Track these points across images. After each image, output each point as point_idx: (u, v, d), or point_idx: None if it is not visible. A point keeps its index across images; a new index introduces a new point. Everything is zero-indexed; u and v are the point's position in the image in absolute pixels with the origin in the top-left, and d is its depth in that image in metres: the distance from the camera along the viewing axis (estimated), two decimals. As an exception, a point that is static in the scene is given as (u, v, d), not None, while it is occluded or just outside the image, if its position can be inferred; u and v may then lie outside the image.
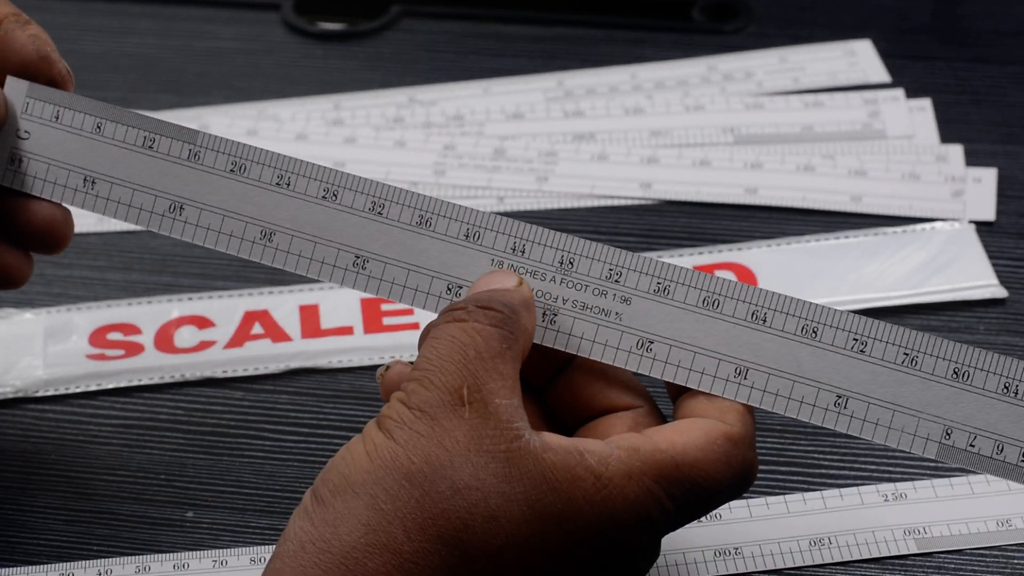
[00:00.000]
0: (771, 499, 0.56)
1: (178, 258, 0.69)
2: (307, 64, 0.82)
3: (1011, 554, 0.55)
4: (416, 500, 0.43)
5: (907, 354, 0.47)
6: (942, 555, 0.55)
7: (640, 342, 0.48)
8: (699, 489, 0.45)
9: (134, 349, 0.64)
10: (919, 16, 0.83)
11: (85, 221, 0.70)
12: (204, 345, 0.64)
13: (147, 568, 0.55)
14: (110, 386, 0.63)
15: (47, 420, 0.61)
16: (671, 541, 0.54)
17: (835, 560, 0.54)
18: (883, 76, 0.79)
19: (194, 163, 0.51)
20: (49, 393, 0.62)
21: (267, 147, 0.74)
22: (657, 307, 0.48)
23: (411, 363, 0.50)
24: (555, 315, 0.48)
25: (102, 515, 0.57)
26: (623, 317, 0.48)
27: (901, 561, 0.55)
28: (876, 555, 0.55)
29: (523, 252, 0.49)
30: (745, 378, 0.47)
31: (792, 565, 0.54)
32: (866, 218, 0.70)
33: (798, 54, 0.80)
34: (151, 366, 0.63)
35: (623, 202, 0.72)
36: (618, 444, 0.45)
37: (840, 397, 0.47)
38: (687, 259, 0.67)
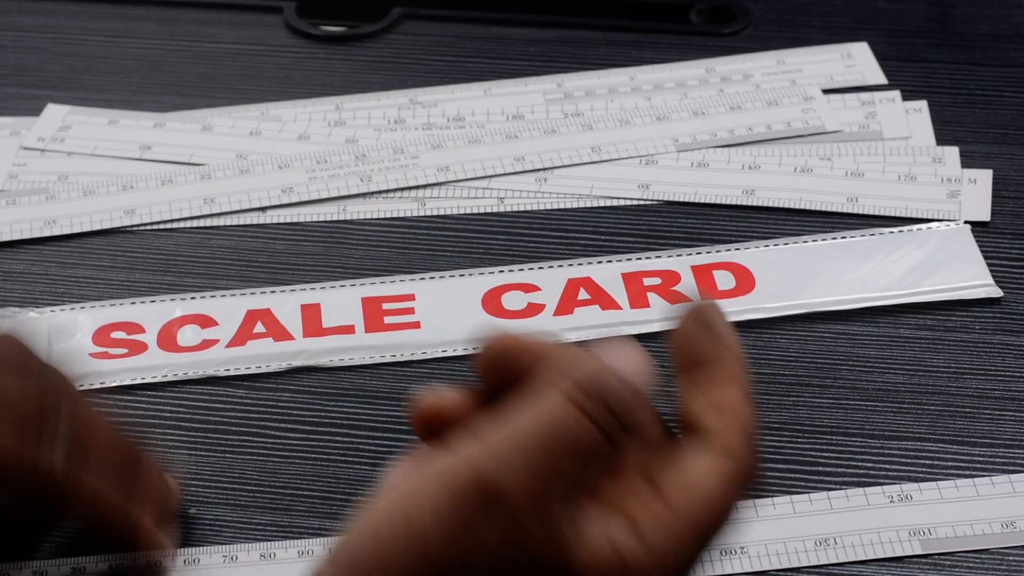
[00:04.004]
0: (777, 500, 0.56)
1: (181, 258, 0.69)
2: (309, 66, 0.83)
3: (1015, 556, 0.55)
4: None
5: None
6: (947, 556, 0.55)
7: None
8: (718, 535, 0.43)
9: (137, 348, 0.64)
10: (915, 19, 0.84)
11: (86, 221, 0.71)
12: (207, 344, 0.64)
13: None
14: (113, 384, 0.63)
15: (51, 418, 0.62)
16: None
17: (840, 560, 0.55)
18: (880, 78, 0.79)
19: None
20: (53, 391, 0.63)
21: (270, 147, 0.75)
22: None
23: (446, 394, 0.45)
24: None
25: (106, 511, 0.58)
26: None
27: (906, 562, 0.55)
28: (881, 555, 0.55)
29: None
30: None
31: (798, 565, 0.55)
32: (863, 218, 0.70)
33: (795, 56, 0.81)
34: (154, 364, 0.64)
35: (622, 203, 0.72)
36: (648, 540, 0.41)
37: None
38: (685, 259, 0.68)
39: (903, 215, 0.70)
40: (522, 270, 0.68)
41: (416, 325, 0.65)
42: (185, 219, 0.72)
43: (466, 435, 0.41)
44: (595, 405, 0.41)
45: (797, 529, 0.55)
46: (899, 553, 0.55)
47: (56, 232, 0.71)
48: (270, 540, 0.56)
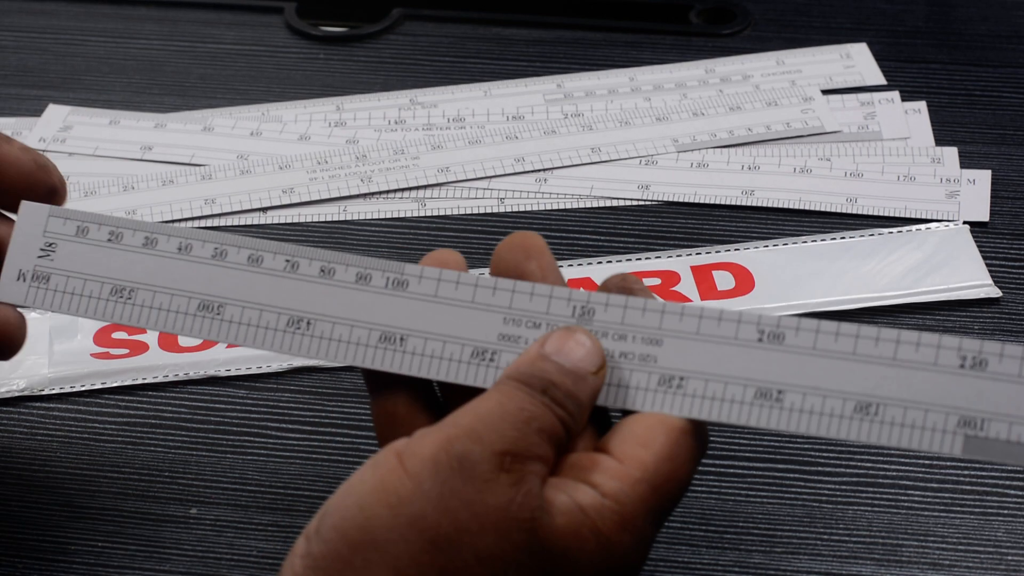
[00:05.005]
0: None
1: (182, 258, 0.70)
2: (309, 67, 0.83)
3: (1014, 556, 0.55)
4: (439, 567, 0.42)
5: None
6: (946, 555, 0.55)
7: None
8: (677, 497, 0.45)
9: (138, 348, 0.65)
10: (914, 20, 0.84)
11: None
12: (207, 344, 0.64)
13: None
14: (115, 384, 0.63)
15: (52, 418, 0.62)
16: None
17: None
18: (879, 79, 0.79)
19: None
20: (55, 391, 0.63)
21: (270, 148, 0.76)
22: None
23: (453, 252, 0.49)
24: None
25: (106, 511, 0.58)
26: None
27: (906, 563, 0.55)
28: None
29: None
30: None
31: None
32: (862, 219, 0.70)
33: (795, 57, 0.81)
34: (155, 365, 0.64)
35: (622, 203, 0.72)
36: (604, 490, 0.44)
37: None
38: (685, 259, 0.68)
39: (902, 215, 0.70)
40: (522, 270, 0.68)
41: (416, 325, 0.65)
42: (186, 219, 0.72)
43: (431, 427, 0.44)
44: (549, 382, 0.45)
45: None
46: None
47: (57, 232, 0.71)
48: (269, 540, 0.57)
